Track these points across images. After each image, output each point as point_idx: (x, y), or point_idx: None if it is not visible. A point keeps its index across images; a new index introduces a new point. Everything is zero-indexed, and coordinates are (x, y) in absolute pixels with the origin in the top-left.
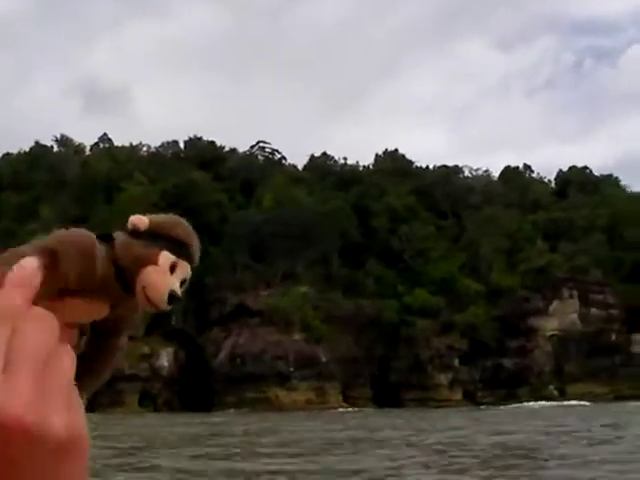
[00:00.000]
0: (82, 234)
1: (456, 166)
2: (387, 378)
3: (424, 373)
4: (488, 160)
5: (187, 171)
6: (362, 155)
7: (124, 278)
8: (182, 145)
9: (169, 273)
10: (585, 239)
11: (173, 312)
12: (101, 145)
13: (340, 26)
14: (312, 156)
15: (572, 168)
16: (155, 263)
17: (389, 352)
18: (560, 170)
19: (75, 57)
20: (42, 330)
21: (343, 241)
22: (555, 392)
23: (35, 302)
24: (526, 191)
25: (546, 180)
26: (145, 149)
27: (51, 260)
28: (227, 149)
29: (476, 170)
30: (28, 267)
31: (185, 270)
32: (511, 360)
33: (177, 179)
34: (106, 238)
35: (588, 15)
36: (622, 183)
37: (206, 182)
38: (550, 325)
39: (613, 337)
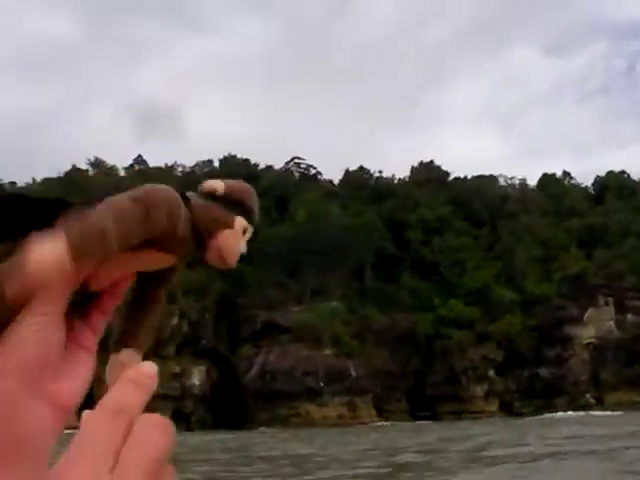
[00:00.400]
0: (172, 192)
1: (491, 175)
2: (423, 391)
3: (459, 385)
4: (540, 167)
5: None
6: (407, 167)
7: (199, 237)
8: (217, 164)
9: (242, 236)
10: (620, 245)
11: (204, 331)
12: (136, 167)
13: (382, 37)
14: (347, 170)
15: (609, 173)
16: (231, 227)
17: (425, 365)
18: (597, 176)
19: (126, 80)
20: (162, 441)
21: (377, 254)
22: (592, 401)
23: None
24: (563, 198)
25: (583, 186)
26: (180, 169)
27: (143, 213)
28: (262, 166)
29: (511, 179)
30: (149, 372)
31: (249, 233)
32: (547, 369)
33: None
34: (184, 198)
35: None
36: None
37: None
38: (586, 333)
39: None
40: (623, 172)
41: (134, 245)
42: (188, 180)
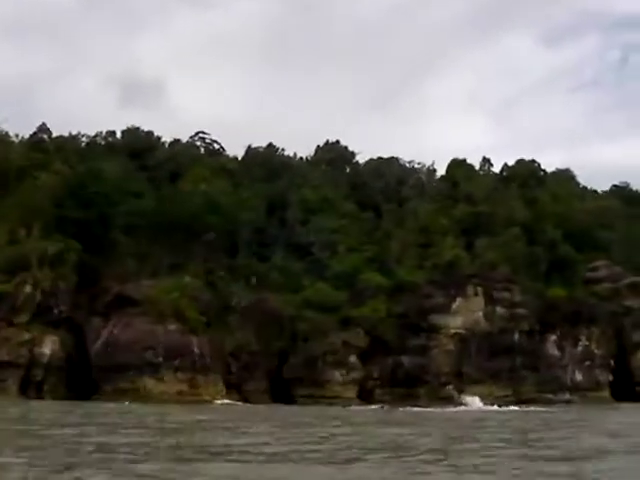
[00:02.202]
0: None
1: (393, 158)
2: (282, 373)
3: (316, 369)
4: (520, 156)
5: (109, 160)
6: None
7: None
8: (119, 135)
9: None
10: (503, 235)
11: (59, 300)
12: (40, 135)
13: (375, 23)
14: (249, 147)
15: (519, 162)
16: None
17: (288, 347)
18: (505, 164)
19: (115, 48)
20: None
21: (254, 233)
22: (454, 393)
23: None
24: (462, 185)
25: (493, 173)
26: (84, 139)
27: None
28: (167, 139)
29: (409, 162)
30: None
31: None
32: (410, 359)
33: (87, 168)
34: None
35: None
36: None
37: (122, 171)
38: (453, 323)
39: (516, 337)
40: (533, 161)
41: None
42: (94, 148)
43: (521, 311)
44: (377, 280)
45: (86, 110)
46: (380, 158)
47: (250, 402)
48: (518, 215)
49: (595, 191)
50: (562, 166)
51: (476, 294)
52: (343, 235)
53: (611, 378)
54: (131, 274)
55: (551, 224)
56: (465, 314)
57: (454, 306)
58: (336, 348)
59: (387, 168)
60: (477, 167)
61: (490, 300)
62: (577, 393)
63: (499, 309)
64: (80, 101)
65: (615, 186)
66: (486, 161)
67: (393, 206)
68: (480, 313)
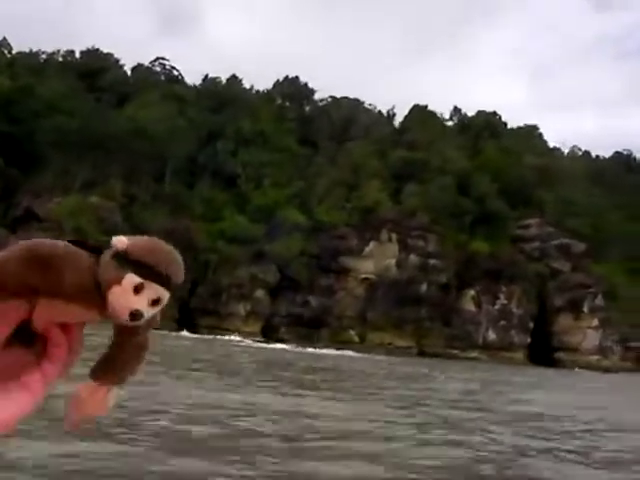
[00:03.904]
0: (57, 249)
1: (347, 98)
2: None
3: (220, 300)
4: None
5: (58, 78)
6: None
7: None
8: (78, 55)
9: (132, 294)
10: (432, 182)
11: None
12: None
13: None
14: (206, 76)
15: (479, 113)
16: (119, 284)
17: (199, 277)
18: (465, 114)
19: None
20: None
21: (186, 161)
22: (356, 338)
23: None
24: (412, 131)
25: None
26: (44, 56)
27: (22, 265)
28: (126, 63)
29: (361, 103)
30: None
31: (154, 291)
32: (317, 299)
33: (22, 84)
34: (96, 251)
35: None
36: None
37: (69, 90)
38: (365, 268)
39: (424, 288)
40: (495, 114)
41: (16, 289)
42: (49, 65)
43: (434, 262)
44: (295, 218)
45: (120, 34)
46: (333, 97)
47: (156, 329)
48: (455, 165)
49: (597, 156)
50: (594, 131)
51: (390, 240)
52: (273, 169)
53: (529, 340)
54: (46, 189)
55: (489, 177)
56: (377, 259)
57: (367, 250)
58: (242, 282)
59: (337, 108)
60: (447, 116)
61: (404, 247)
62: (487, 352)
63: (413, 257)
64: (115, 24)
65: (617, 152)
66: (457, 111)
67: (332, 144)
68: (393, 260)
